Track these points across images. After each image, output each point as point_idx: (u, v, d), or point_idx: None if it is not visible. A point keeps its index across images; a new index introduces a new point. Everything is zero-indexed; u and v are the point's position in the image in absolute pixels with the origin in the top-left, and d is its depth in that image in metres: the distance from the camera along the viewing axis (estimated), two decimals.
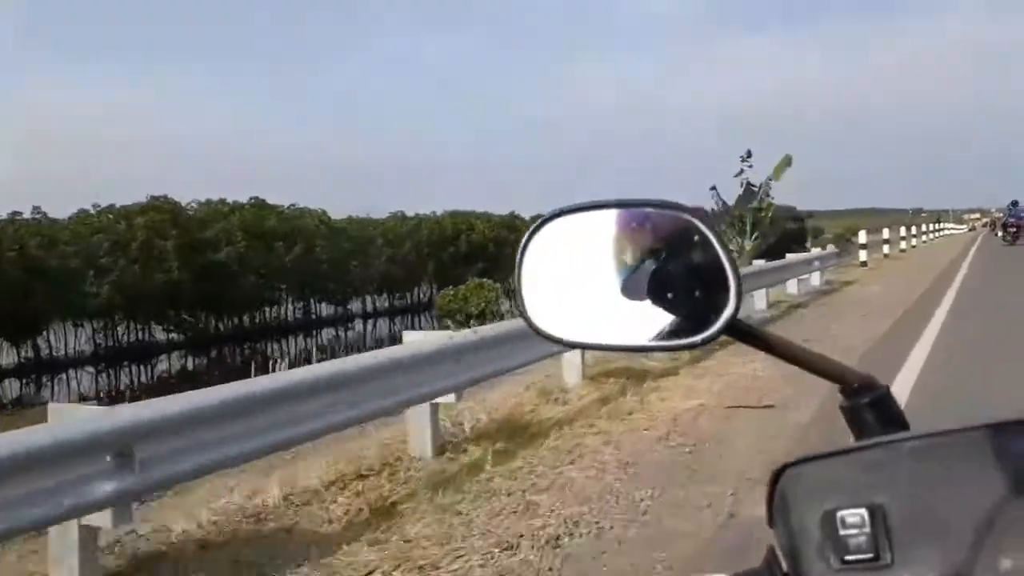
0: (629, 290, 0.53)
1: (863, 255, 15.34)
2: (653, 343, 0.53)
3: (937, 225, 38.86)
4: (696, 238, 0.50)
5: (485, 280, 17.83)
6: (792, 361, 0.52)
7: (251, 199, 21.88)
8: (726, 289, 0.50)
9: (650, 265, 0.53)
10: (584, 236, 0.56)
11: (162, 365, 17.17)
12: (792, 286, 9.90)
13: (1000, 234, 26.71)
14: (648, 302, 0.52)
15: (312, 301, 24.32)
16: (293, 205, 24.22)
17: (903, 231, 22.40)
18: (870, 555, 0.38)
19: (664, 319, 0.52)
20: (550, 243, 0.56)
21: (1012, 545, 0.34)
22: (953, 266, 13.25)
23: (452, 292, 19.91)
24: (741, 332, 0.50)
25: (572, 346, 0.51)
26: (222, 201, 21.38)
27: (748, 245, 11.88)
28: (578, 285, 0.56)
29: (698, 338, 0.51)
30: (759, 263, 9.04)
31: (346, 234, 23.81)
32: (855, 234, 24.77)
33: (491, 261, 29.91)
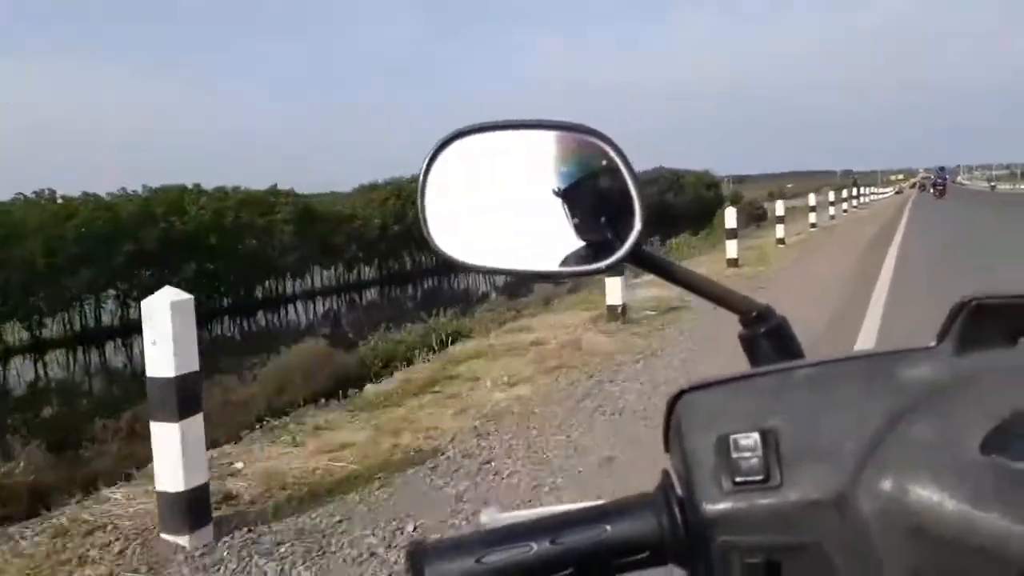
0: (534, 214, 0.57)
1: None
2: (556, 269, 0.59)
3: (853, 191, 33.49)
4: (604, 163, 0.56)
5: None
6: (693, 290, 0.60)
7: None
8: (631, 215, 0.55)
9: (557, 188, 0.58)
10: (490, 157, 0.59)
11: None
12: None
13: (932, 191, 37.84)
14: (553, 227, 0.57)
15: None
16: None
17: (779, 207, 16.91)
18: (761, 477, 0.42)
19: (569, 244, 0.57)
20: (455, 163, 0.59)
21: (892, 467, 0.39)
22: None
23: None
24: (644, 259, 0.57)
25: (473, 269, 0.61)
26: None
27: None
28: (482, 207, 0.59)
29: (602, 264, 0.57)
30: None
31: None
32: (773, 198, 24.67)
33: (213, 260, 21.53)
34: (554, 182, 0.57)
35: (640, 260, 0.56)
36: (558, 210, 0.56)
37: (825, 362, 0.46)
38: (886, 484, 0.39)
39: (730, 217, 10.86)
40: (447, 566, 0.45)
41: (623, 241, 0.55)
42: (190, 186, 21.79)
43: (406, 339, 7.70)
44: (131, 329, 16.00)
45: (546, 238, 0.56)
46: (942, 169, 41.51)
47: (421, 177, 0.58)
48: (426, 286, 38.00)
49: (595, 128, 0.56)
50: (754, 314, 0.58)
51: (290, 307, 25.14)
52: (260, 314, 22.92)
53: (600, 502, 0.48)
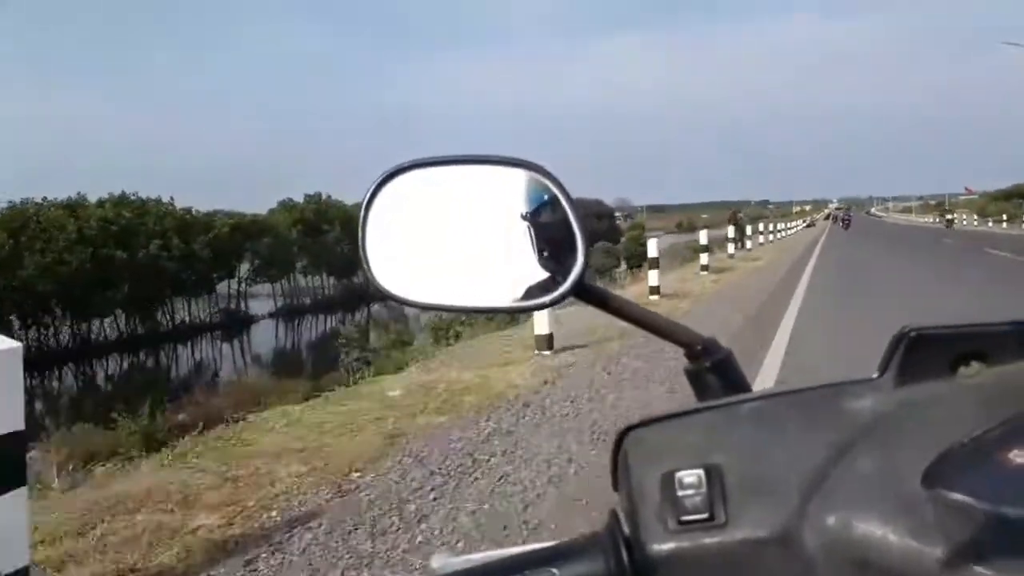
0: (478, 250, 0.60)
1: None
2: (501, 304, 0.62)
3: (740, 232, 23.89)
4: (546, 197, 0.59)
5: None
6: (637, 323, 0.63)
7: None
8: (574, 250, 0.58)
9: (498, 224, 0.60)
10: (431, 193, 0.62)
11: None
12: None
13: (841, 225, 51.48)
14: (497, 262, 0.60)
15: None
16: None
17: (652, 247, 11.82)
18: (705, 515, 0.44)
19: (513, 280, 0.59)
20: (395, 199, 0.61)
21: (837, 501, 0.41)
22: None
23: None
24: (589, 294, 0.60)
25: (417, 307, 0.64)
26: None
27: None
28: (424, 244, 0.62)
29: (546, 299, 0.59)
30: None
31: None
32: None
33: None
34: (496, 218, 0.60)
35: (585, 294, 0.59)
36: (501, 246, 0.59)
37: (770, 396, 0.48)
38: (831, 519, 0.41)
39: None
40: None
41: (566, 276, 0.57)
42: None
43: None
44: None
45: (490, 274, 0.60)
46: (848, 209, 65.73)
47: (361, 214, 0.61)
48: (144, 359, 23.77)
49: (536, 163, 0.59)
50: (699, 347, 0.61)
51: None
52: None
53: (550, 544, 0.51)
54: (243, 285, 33.10)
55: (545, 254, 0.57)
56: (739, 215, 29.77)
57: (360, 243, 0.60)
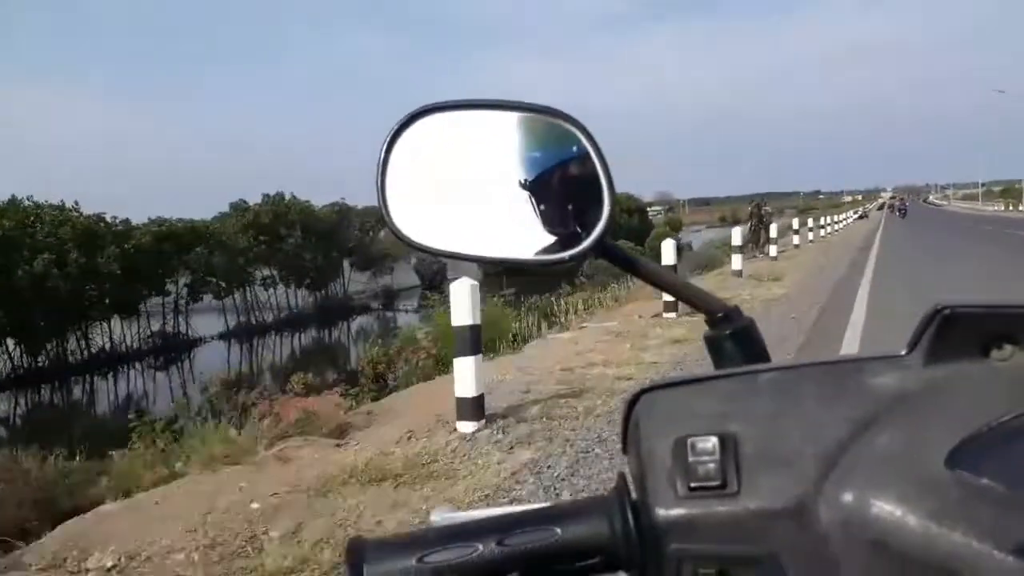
0: (500, 198, 0.58)
1: None
2: (520, 257, 0.60)
3: (764, 232, 20.50)
4: (575, 149, 0.58)
5: None
6: (659, 286, 0.64)
7: None
8: (600, 205, 0.57)
9: (524, 173, 0.58)
10: (455, 138, 0.60)
11: None
12: None
13: (897, 214, 57.36)
14: (519, 213, 0.58)
15: None
16: None
17: None
18: (717, 482, 0.44)
19: (534, 232, 0.59)
20: (418, 142, 0.60)
21: (855, 478, 0.42)
22: None
23: None
24: (610, 252, 0.60)
25: (436, 254, 0.64)
26: None
27: None
28: (446, 190, 0.61)
29: (566, 255, 0.58)
30: None
31: None
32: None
33: None
34: (522, 166, 0.58)
35: (606, 252, 0.58)
36: (525, 196, 0.57)
37: (790, 367, 0.48)
38: (848, 496, 0.40)
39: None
40: (387, 564, 0.46)
41: (589, 232, 0.56)
42: None
43: None
44: None
45: (511, 225, 0.58)
46: (903, 199, 68.03)
47: (381, 156, 0.60)
48: None
49: (566, 112, 0.57)
50: (721, 315, 0.60)
51: None
52: None
53: (553, 503, 0.51)
54: (180, 303, 28.12)
55: (569, 207, 0.55)
56: (764, 208, 21.76)
57: (378, 186, 0.57)
